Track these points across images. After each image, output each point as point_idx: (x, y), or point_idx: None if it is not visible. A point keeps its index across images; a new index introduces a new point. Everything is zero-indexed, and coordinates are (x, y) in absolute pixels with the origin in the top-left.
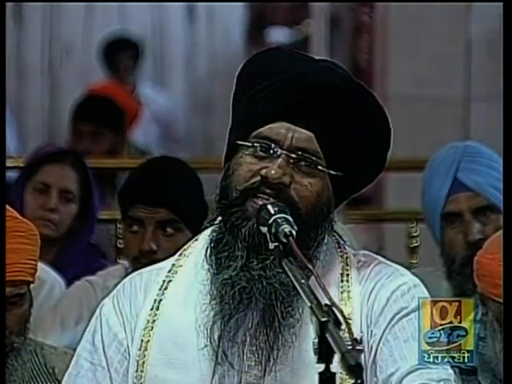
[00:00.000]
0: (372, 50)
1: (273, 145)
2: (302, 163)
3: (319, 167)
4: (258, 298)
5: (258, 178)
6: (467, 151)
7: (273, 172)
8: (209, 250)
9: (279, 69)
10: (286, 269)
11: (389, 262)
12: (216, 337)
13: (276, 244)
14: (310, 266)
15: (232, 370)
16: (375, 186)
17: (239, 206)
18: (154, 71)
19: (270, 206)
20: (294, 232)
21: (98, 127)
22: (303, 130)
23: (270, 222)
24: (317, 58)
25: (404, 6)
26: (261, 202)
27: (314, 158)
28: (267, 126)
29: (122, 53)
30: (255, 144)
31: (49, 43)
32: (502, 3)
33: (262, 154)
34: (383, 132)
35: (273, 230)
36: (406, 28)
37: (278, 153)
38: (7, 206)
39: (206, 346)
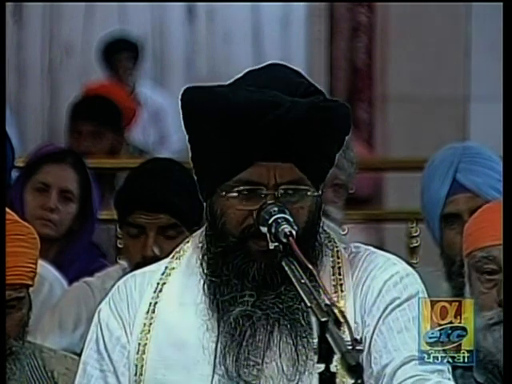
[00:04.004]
0: (372, 50)
1: (258, 187)
2: (290, 195)
3: (308, 193)
4: (278, 318)
5: (251, 221)
6: (466, 152)
7: None
8: (212, 292)
9: (237, 112)
10: (286, 269)
11: (381, 252)
12: (230, 361)
13: (276, 244)
14: (310, 266)
15: (232, 368)
16: (375, 186)
17: (241, 249)
18: (154, 71)
19: (269, 206)
20: (293, 232)
21: (98, 127)
22: (281, 164)
23: (270, 222)
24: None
25: (404, 5)
26: (264, 243)
27: (300, 187)
28: (246, 171)
29: (121, 53)
30: (242, 192)
31: (49, 43)
32: (501, 3)
33: (248, 196)
34: (346, 129)
35: (273, 230)
36: (406, 28)
37: (265, 194)
38: (7, 209)
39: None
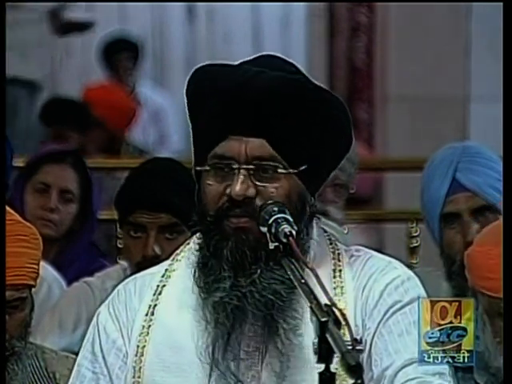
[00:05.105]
0: (372, 49)
1: (230, 162)
2: (262, 171)
3: (279, 170)
4: (254, 312)
5: (226, 198)
6: (466, 151)
7: (237, 189)
8: (197, 274)
9: (214, 87)
10: (286, 269)
11: (381, 255)
12: (220, 358)
13: (276, 244)
14: (311, 266)
15: (229, 372)
16: (375, 186)
17: (217, 229)
18: (154, 71)
19: (269, 206)
20: (293, 232)
21: (60, 130)
22: (253, 139)
23: (270, 222)
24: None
25: (404, 5)
26: (235, 221)
27: (271, 163)
28: (219, 145)
29: (121, 53)
30: (215, 166)
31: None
32: (501, 3)
33: (223, 172)
34: (332, 116)
35: (273, 230)
36: (406, 28)
37: (237, 168)
38: (10, 210)
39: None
